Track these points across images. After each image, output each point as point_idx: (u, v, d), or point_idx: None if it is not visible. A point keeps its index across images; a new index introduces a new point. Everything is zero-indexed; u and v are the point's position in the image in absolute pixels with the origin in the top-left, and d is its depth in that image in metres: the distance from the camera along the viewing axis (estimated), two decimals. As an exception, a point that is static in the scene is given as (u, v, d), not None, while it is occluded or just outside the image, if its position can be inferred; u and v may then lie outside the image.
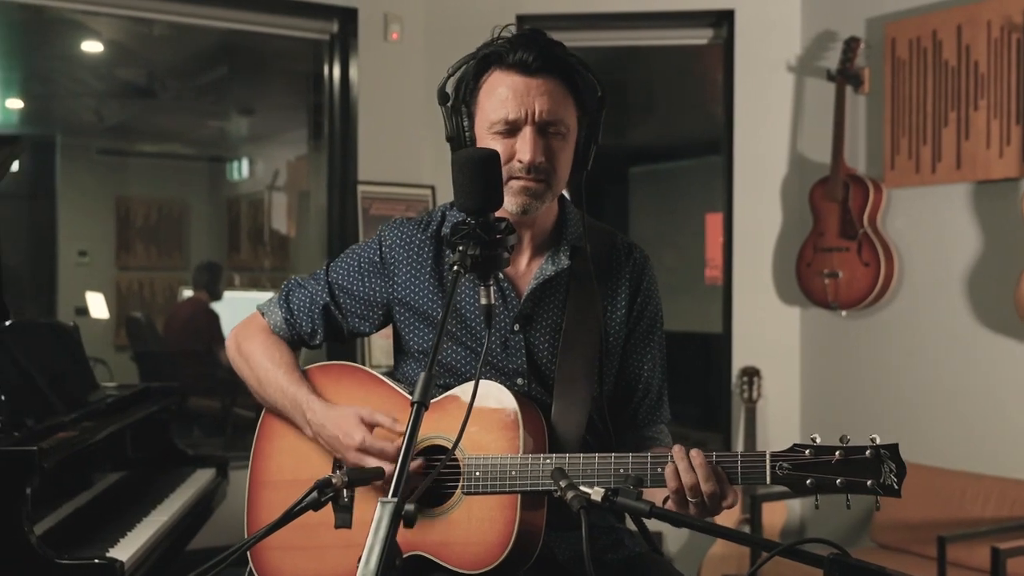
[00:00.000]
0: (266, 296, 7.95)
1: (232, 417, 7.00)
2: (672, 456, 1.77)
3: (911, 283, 4.43)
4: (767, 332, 4.97)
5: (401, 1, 5.04)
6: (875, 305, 4.50)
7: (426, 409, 1.48)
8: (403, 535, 1.89)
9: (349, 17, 4.99)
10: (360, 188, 4.96)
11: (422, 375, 1.49)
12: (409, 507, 1.36)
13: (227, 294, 7.44)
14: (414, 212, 5.03)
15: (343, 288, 2.13)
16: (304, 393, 2.04)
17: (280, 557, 2.02)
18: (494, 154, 1.67)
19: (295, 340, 2.17)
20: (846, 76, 4.50)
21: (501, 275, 2.02)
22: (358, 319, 2.14)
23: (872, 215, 4.44)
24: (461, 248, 1.64)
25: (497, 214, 1.69)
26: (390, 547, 1.31)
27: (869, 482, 1.67)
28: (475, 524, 1.87)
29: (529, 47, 1.91)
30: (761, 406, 4.83)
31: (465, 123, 1.97)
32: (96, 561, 2.31)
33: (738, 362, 4.94)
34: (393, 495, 1.36)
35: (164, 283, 8.79)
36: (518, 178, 1.92)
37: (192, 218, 9.00)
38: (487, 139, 1.94)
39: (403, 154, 5.04)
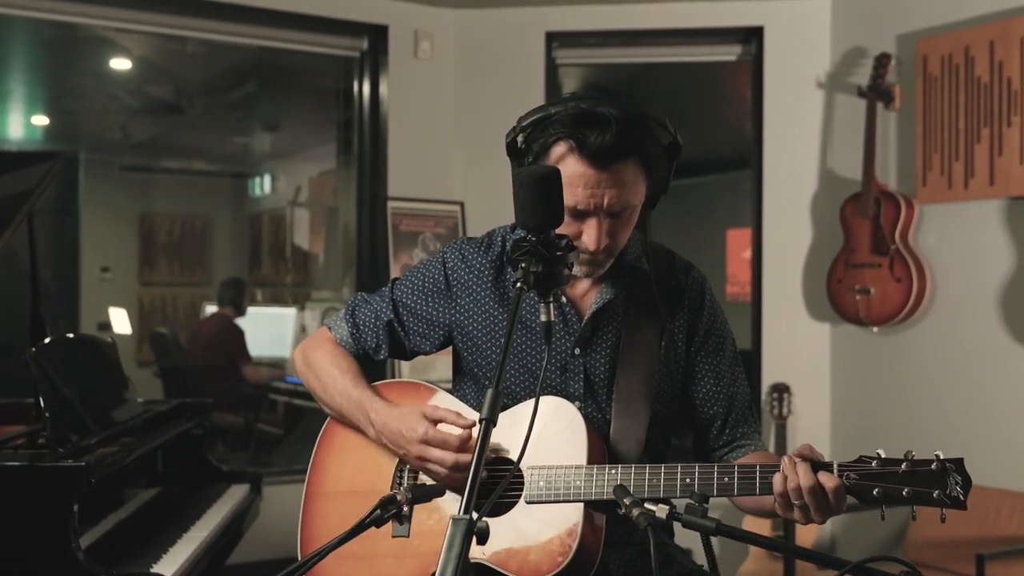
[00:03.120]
0: (289, 312, 7.86)
1: (256, 433, 7.01)
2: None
3: (944, 299, 4.41)
4: (797, 348, 4.95)
5: (431, 18, 5.06)
6: (907, 321, 4.48)
7: (494, 425, 1.48)
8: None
9: (379, 34, 5.02)
10: (390, 204, 4.97)
11: (489, 392, 1.49)
12: (482, 524, 1.35)
13: (250, 310, 7.47)
14: (444, 228, 5.03)
15: (407, 307, 2.16)
16: (368, 395, 2.08)
17: (335, 565, 2.01)
18: (555, 171, 1.67)
19: (360, 354, 2.20)
20: (877, 92, 4.49)
21: (564, 298, 2.04)
22: (420, 338, 2.17)
23: (904, 231, 4.42)
24: (523, 265, 1.65)
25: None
26: (464, 564, 1.31)
27: (936, 493, 1.67)
28: (536, 533, 1.87)
29: (606, 134, 1.85)
30: (791, 423, 4.81)
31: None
32: (142, 577, 2.32)
33: (768, 379, 4.92)
34: (465, 512, 1.36)
35: (187, 299, 8.83)
36: (583, 253, 1.94)
37: (215, 234, 9.04)
38: None
39: (433, 170, 5.05)
